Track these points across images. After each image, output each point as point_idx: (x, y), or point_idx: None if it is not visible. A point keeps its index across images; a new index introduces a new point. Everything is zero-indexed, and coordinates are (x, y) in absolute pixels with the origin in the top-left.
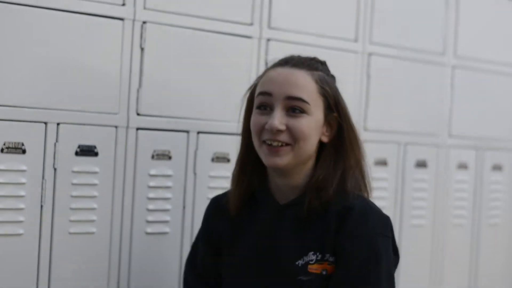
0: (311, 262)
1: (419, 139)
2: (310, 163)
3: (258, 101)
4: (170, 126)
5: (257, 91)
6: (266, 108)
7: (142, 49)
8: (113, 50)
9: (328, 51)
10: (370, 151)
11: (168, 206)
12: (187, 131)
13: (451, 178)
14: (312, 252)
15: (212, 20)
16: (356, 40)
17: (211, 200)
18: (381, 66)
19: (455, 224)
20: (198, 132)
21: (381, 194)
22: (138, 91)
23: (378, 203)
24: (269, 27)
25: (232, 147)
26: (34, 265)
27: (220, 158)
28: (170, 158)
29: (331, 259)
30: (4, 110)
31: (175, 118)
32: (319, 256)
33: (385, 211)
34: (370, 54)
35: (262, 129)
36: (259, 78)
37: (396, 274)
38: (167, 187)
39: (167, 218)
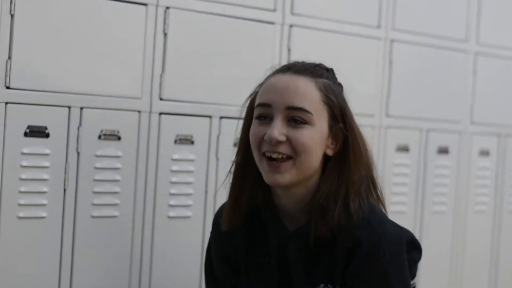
0: None
1: (441, 125)
2: (315, 178)
3: (257, 112)
4: (192, 111)
5: (257, 101)
6: (266, 118)
7: (165, 34)
8: (136, 35)
9: (351, 37)
10: (392, 137)
11: (190, 191)
12: (210, 116)
13: (473, 164)
14: (323, 285)
15: (235, 6)
16: (378, 27)
17: (216, 212)
18: (403, 52)
19: (476, 210)
20: (221, 117)
21: (403, 180)
22: (161, 76)
23: (400, 189)
24: (292, 13)
25: None
26: (57, 248)
27: None
28: (192, 142)
29: None
30: (28, 94)
31: (197, 103)
32: (330, 287)
33: (407, 198)
34: (392, 41)
35: (261, 140)
36: (260, 85)
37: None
38: (190, 172)
39: (189, 202)
